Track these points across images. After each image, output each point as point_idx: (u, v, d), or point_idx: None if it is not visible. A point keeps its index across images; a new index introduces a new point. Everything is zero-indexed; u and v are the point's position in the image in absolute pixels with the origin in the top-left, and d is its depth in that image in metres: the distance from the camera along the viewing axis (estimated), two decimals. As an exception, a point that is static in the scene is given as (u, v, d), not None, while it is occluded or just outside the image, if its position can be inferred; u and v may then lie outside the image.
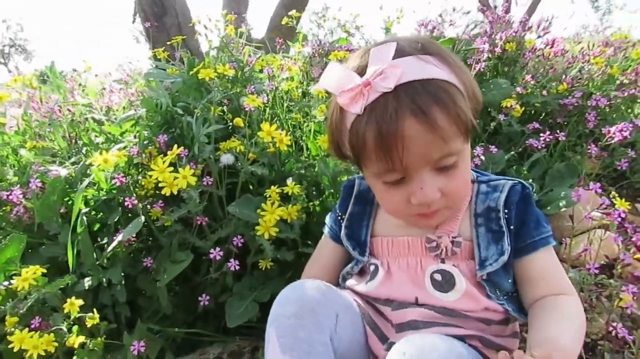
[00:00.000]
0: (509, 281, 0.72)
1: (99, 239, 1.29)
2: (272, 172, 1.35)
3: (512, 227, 0.71)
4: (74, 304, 0.96)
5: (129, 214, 1.27)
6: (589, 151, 1.46)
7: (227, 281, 1.18)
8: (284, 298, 0.71)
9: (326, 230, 0.90)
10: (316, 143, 1.41)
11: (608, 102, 1.73)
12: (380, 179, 0.67)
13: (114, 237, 1.14)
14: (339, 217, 0.86)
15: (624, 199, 1.07)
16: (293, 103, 1.62)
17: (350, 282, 0.83)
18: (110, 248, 1.09)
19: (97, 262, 1.16)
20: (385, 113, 0.59)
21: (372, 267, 0.79)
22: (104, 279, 1.17)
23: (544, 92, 1.87)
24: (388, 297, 0.75)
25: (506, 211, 0.71)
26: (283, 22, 2.08)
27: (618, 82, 1.86)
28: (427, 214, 0.68)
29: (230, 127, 1.52)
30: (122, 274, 1.18)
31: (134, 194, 1.13)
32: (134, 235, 1.13)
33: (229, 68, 1.27)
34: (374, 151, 0.62)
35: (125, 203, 1.10)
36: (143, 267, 1.19)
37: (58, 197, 1.21)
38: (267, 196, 1.11)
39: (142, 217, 1.08)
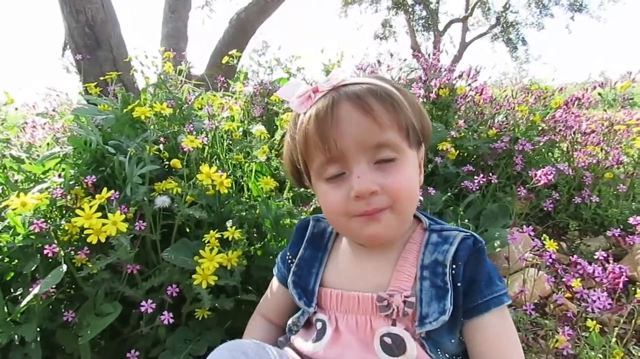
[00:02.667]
0: (453, 341, 0.67)
1: (11, 290, 1.15)
2: (211, 214, 1.29)
3: (459, 284, 0.65)
4: (-24, 370, 0.83)
5: (49, 261, 1.15)
6: (519, 193, 1.54)
7: (160, 333, 1.09)
8: None
9: (275, 271, 0.87)
10: (257, 184, 1.38)
11: (532, 147, 1.85)
12: (322, 177, 0.67)
13: (30, 289, 1.01)
14: (289, 261, 0.82)
15: (551, 239, 1.13)
16: (233, 143, 1.59)
17: (296, 340, 0.77)
18: (24, 302, 0.97)
19: (9, 318, 1.03)
20: (324, 103, 0.65)
21: (319, 325, 0.73)
22: (16, 337, 1.04)
23: (475, 136, 1.98)
24: None
25: (454, 266, 0.66)
26: (224, 61, 2.06)
27: (540, 128, 2.01)
28: (369, 214, 0.64)
29: (166, 167, 1.45)
30: (38, 329, 1.05)
31: (56, 241, 1.02)
32: (54, 286, 1.02)
33: (166, 106, 1.21)
34: (312, 138, 0.65)
35: (45, 251, 0.99)
36: (63, 321, 1.07)
37: (-36, 243, 1.08)
38: (206, 241, 1.05)
39: (64, 266, 0.98)
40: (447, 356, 0.67)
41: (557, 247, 1.24)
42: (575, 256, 1.09)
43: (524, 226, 1.13)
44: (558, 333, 1.00)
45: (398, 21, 17.60)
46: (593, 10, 14.91)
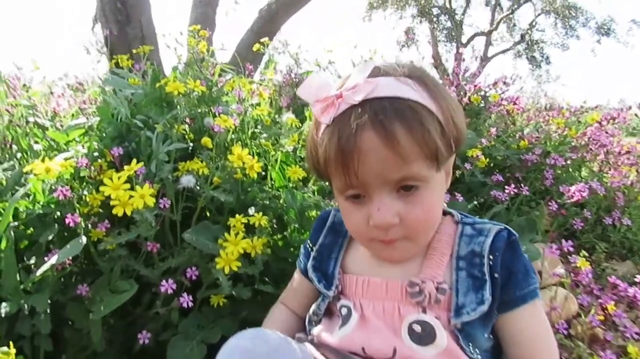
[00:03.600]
0: (486, 335, 0.65)
1: (25, 259, 1.12)
2: (234, 199, 1.26)
3: (496, 275, 0.64)
4: (-15, 337, 0.80)
5: (65, 233, 1.12)
6: (550, 208, 1.48)
7: (173, 317, 1.05)
8: (230, 348, 0.62)
9: (298, 261, 0.85)
10: (283, 173, 1.34)
11: (564, 163, 1.79)
12: (343, 195, 0.65)
13: (45, 258, 0.98)
14: (309, 248, 0.81)
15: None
16: (259, 129, 1.55)
17: (319, 331, 0.74)
18: (40, 271, 0.94)
19: (21, 286, 0.99)
20: (347, 124, 0.59)
21: (344, 311, 0.71)
22: (26, 306, 1.00)
23: (504, 146, 1.92)
24: (363, 346, 0.67)
25: (491, 257, 0.65)
26: (254, 49, 2.02)
27: (572, 144, 1.95)
28: (385, 242, 0.64)
29: (190, 148, 1.42)
30: (49, 301, 1.02)
31: (77, 211, 0.99)
32: (70, 258, 0.98)
33: (199, 84, 1.18)
34: (333, 162, 0.61)
35: (66, 220, 0.96)
36: (75, 294, 1.03)
37: (-18, 206, 1.05)
38: (231, 225, 1.01)
39: (84, 238, 0.94)
40: (478, 351, 0.64)
41: (591, 268, 1.19)
42: (613, 277, 1.03)
43: (553, 244, 1.08)
44: (593, 356, 0.95)
45: (421, 29, 17.51)
46: (621, 35, 14.73)
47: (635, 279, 1.02)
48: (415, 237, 0.64)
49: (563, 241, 1.05)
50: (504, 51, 16.89)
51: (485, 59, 16.66)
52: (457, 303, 0.64)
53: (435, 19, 16.82)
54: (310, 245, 0.81)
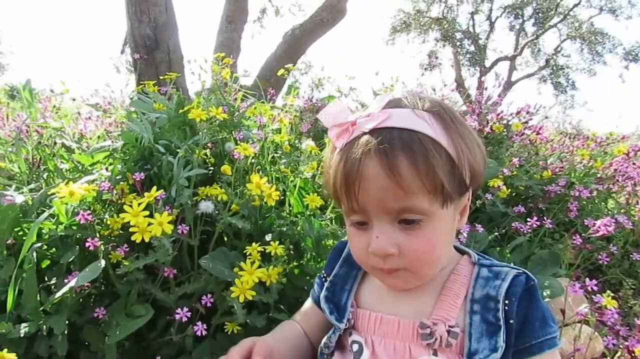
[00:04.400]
0: None
1: (45, 279, 1.14)
2: (251, 225, 1.26)
3: (511, 321, 0.62)
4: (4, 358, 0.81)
5: (86, 254, 1.14)
6: (574, 242, 1.44)
7: (187, 343, 1.05)
8: None
9: (312, 291, 0.85)
10: (303, 201, 1.34)
11: (590, 194, 1.75)
12: (349, 220, 0.66)
13: (65, 280, 1.00)
14: (323, 278, 0.81)
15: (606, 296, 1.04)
16: (279, 155, 1.56)
17: None
18: (59, 293, 0.95)
19: (41, 307, 1.01)
20: (355, 150, 0.61)
21: (355, 347, 0.69)
22: (44, 327, 1.02)
23: (526, 177, 1.89)
24: None
25: (507, 302, 0.63)
26: (279, 74, 2.06)
27: (598, 175, 1.90)
28: (384, 271, 0.64)
29: (210, 173, 1.44)
30: (67, 322, 1.03)
31: (97, 235, 1.01)
32: (90, 280, 1.00)
33: (221, 112, 1.20)
34: (339, 186, 0.63)
35: (86, 243, 0.98)
36: (92, 316, 1.04)
37: (8, 226, 1.08)
38: (247, 253, 1.01)
39: (103, 262, 0.96)
40: None
41: (616, 306, 1.15)
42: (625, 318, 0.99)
43: (587, 281, 1.04)
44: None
45: (444, 53, 17.56)
46: (649, 61, 14.48)
47: (664, 322, 0.97)
48: (416, 271, 0.64)
49: (587, 279, 1.01)
50: (528, 76, 16.76)
51: (509, 84, 16.56)
52: (469, 348, 0.62)
53: (458, 43, 16.86)
54: (325, 275, 0.81)
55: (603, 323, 1.09)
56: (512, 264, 0.70)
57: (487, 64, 16.90)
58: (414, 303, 0.67)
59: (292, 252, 1.29)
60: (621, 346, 1.02)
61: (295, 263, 1.21)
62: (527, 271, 0.67)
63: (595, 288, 1.01)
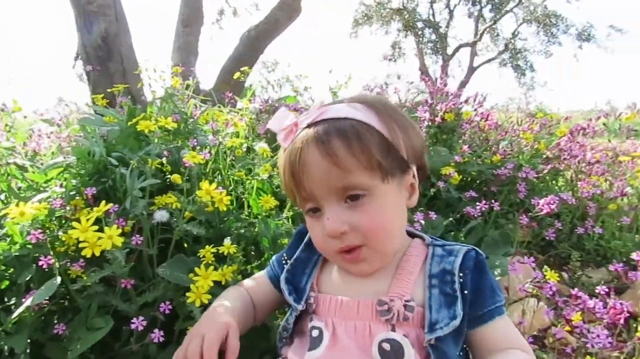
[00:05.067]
0: (457, 353, 0.68)
1: (5, 299, 1.14)
2: (210, 230, 1.29)
3: (466, 292, 0.68)
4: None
5: (45, 271, 1.14)
6: (521, 221, 1.52)
7: (150, 350, 1.08)
8: None
9: (267, 269, 0.88)
10: (258, 202, 1.37)
11: (536, 175, 1.84)
12: (304, 210, 0.72)
13: (23, 299, 1.01)
14: (284, 261, 0.84)
15: (552, 269, 1.12)
16: (236, 159, 1.59)
17: (289, 353, 0.76)
18: (17, 312, 0.96)
19: (1, 328, 1.02)
20: (296, 144, 0.68)
21: (314, 332, 0.72)
22: (6, 347, 1.03)
23: (479, 162, 1.97)
24: None
25: (461, 274, 0.69)
26: (235, 77, 2.08)
27: (544, 156, 2.00)
28: (347, 253, 0.68)
29: (168, 181, 1.45)
30: (29, 341, 1.04)
31: (52, 252, 1.02)
32: (47, 297, 1.01)
33: (171, 121, 1.22)
34: (288, 178, 0.70)
35: (40, 262, 0.99)
36: (54, 333, 1.05)
37: (-38, 249, 1.08)
38: (201, 256, 1.04)
39: (59, 279, 0.97)
40: None
41: (559, 278, 1.23)
42: (576, 288, 1.07)
43: (526, 256, 1.12)
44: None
45: (407, 43, 17.79)
46: (601, 40, 15.02)
47: (596, 290, 1.05)
48: (374, 245, 0.68)
49: (526, 257, 1.08)
50: (489, 61, 17.15)
51: (471, 70, 16.91)
52: (430, 319, 0.66)
53: (420, 32, 17.09)
54: (286, 258, 0.83)
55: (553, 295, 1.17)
56: (460, 243, 0.76)
57: (449, 51, 17.20)
58: (371, 285, 0.71)
59: (253, 252, 1.33)
60: (562, 314, 1.09)
61: (256, 263, 1.25)
62: (475, 248, 0.73)
63: (533, 265, 1.08)
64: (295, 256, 0.81)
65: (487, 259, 0.73)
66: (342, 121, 0.67)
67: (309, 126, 0.68)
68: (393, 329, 0.67)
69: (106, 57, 2.47)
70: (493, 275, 0.75)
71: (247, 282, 0.89)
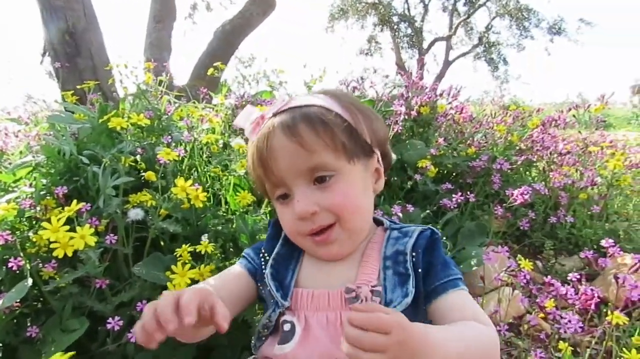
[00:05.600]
0: None
1: (-26, 304, 1.11)
2: (187, 227, 1.27)
3: (419, 270, 0.70)
4: None
5: (16, 273, 1.11)
6: (495, 212, 1.55)
7: (128, 350, 1.06)
8: None
9: (243, 261, 0.82)
10: (235, 198, 1.36)
11: (510, 166, 1.87)
12: (274, 197, 0.73)
13: (-6, 302, 0.98)
14: (262, 256, 0.80)
15: (526, 258, 1.14)
16: (212, 155, 1.57)
17: (264, 348, 0.75)
18: (-14, 316, 0.93)
19: (-31, 333, 0.99)
20: (263, 132, 0.70)
21: (286, 326, 0.71)
22: (-24, 352, 1.00)
23: (455, 154, 2.00)
24: None
25: (414, 253, 0.71)
26: (208, 73, 2.05)
27: (517, 148, 2.04)
28: (318, 234, 0.70)
29: (143, 178, 1.43)
30: (0, 345, 1.01)
31: (22, 254, 0.99)
32: (18, 300, 0.98)
33: (143, 117, 1.20)
34: (257, 167, 0.71)
35: (9, 264, 0.96)
36: (27, 336, 1.03)
37: None
38: (178, 255, 1.03)
39: (30, 280, 0.95)
40: None
41: (532, 267, 1.26)
42: (549, 276, 1.10)
43: (500, 246, 1.14)
44: (531, 353, 1.00)
45: (384, 38, 17.87)
46: (571, 33, 15.38)
47: (568, 277, 1.08)
48: (346, 221, 0.70)
49: (500, 246, 1.10)
50: (463, 54, 17.37)
51: (446, 63, 17.10)
52: (385, 299, 0.68)
53: (395, 27, 17.18)
54: (264, 253, 0.80)
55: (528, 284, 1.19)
56: (418, 224, 0.77)
57: (425, 45, 17.35)
58: (340, 275, 0.72)
59: (231, 249, 1.32)
60: (535, 301, 1.12)
61: (234, 260, 1.24)
62: (432, 227, 0.75)
63: (507, 254, 1.11)
64: (276, 251, 0.79)
65: (447, 249, 0.74)
66: (306, 107, 0.70)
67: (274, 115, 0.70)
68: None
69: (75, 53, 2.40)
70: (445, 251, 0.76)
71: (211, 280, 0.80)
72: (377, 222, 0.81)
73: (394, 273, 0.70)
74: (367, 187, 0.74)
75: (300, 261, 0.79)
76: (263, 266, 0.78)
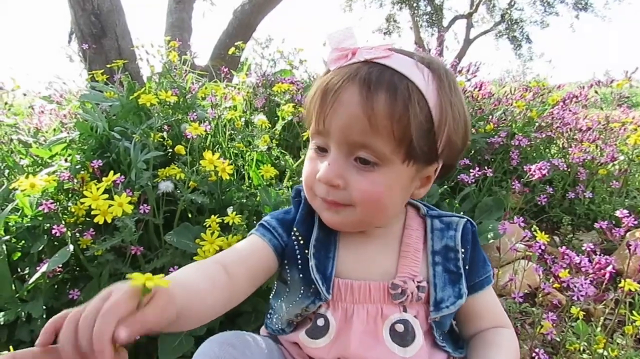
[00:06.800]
0: (451, 321, 0.71)
1: (19, 270, 1.19)
2: (213, 200, 1.33)
3: (467, 267, 0.68)
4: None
5: (55, 243, 1.19)
6: (513, 187, 1.57)
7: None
8: (200, 356, 0.60)
9: (266, 234, 0.71)
10: (258, 172, 1.41)
11: (529, 143, 1.88)
12: (312, 142, 0.66)
13: (37, 268, 1.06)
14: (294, 236, 0.70)
15: (543, 232, 1.17)
16: (236, 132, 1.62)
17: (291, 337, 0.71)
18: (32, 279, 1.01)
19: (17, 295, 1.07)
20: (342, 73, 0.59)
21: (320, 321, 0.67)
22: (23, 314, 1.08)
23: (473, 131, 2.01)
24: (339, 357, 0.65)
25: (463, 251, 0.68)
26: (229, 52, 2.09)
27: (537, 124, 2.04)
28: (327, 202, 0.63)
29: (169, 154, 1.49)
30: (44, 307, 1.09)
31: (63, 222, 1.06)
32: (60, 265, 1.06)
33: (171, 95, 1.25)
34: (314, 101, 0.62)
35: (53, 231, 1.03)
36: (68, 299, 1.11)
37: (-26, 223, 1.12)
38: (207, 225, 1.09)
39: (71, 246, 1.02)
40: (442, 334, 0.69)
41: (549, 240, 1.28)
42: (564, 247, 1.12)
43: (515, 217, 1.17)
44: (544, 320, 1.04)
45: (402, 16, 17.54)
46: (598, 9, 14.83)
47: (583, 247, 1.10)
48: (361, 213, 0.62)
49: (515, 217, 1.13)
50: (485, 32, 16.94)
51: (467, 42, 16.74)
52: (435, 297, 0.65)
53: (415, 5, 16.84)
54: (297, 231, 0.70)
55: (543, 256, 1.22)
56: (454, 213, 0.74)
57: (445, 23, 16.99)
58: (379, 265, 0.68)
59: (255, 222, 1.38)
60: (550, 272, 1.15)
61: (257, 231, 1.30)
62: (469, 218, 0.72)
63: (523, 224, 1.14)
64: (314, 237, 0.69)
65: (480, 235, 0.75)
66: (400, 76, 0.58)
67: (365, 62, 0.59)
68: (405, 310, 0.65)
69: (101, 35, 2.47)
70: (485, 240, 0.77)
71: (227, 255, 0.68)
72: (410, 204, 0.74)
73: (444, 270, 0.67)
74: (406, 190, 0.65)
75: (337, 248, 0.70)
76: (297, 249, 0.69)
